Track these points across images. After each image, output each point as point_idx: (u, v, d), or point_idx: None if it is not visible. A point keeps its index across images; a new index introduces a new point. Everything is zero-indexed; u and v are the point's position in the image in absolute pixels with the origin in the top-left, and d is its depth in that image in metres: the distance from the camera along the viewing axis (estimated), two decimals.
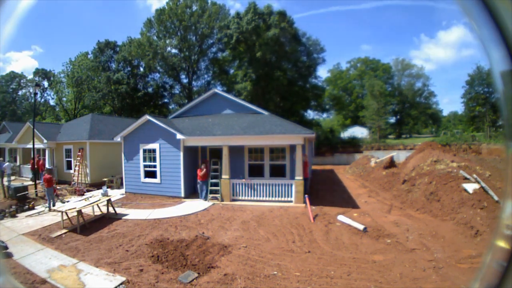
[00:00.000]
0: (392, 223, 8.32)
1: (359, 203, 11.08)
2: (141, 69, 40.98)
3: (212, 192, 11.66)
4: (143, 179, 12.87)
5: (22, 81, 58.49)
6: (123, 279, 5.16)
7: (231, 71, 40.23)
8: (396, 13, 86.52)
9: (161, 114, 37.29)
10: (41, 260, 6.09)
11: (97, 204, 9.63)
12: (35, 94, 17.86)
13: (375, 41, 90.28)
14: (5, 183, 13.58)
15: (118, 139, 13.38)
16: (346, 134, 42.51)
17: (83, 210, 8.77)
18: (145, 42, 37.22)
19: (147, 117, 12.68)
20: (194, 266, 5.65)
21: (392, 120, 53.36)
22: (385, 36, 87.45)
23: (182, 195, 12.01)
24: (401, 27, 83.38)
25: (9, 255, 6.26)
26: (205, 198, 11.56)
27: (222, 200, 11.35)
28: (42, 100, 54.74)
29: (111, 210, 9.87)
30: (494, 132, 32.28)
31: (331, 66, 39.38)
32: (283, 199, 10.94)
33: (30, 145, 15.96)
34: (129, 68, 39.76)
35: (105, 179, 15.17)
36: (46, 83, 53.80)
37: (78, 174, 15.70)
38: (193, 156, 13.14)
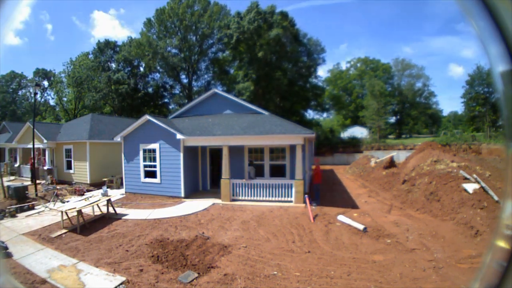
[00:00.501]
0: (392, 223, 8.32)
1: (359, 203, 11.08)
2: (141, 69, 41.00)
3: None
4: (143, 179, 12.87)
5: (22, 81, 58.49)
6: (123, 279, 5.16)
7: (231, 71, 40.24)
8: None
9: (161, 114, 37.29)
10: (41, 260, 6.09)
11: (97, 204, 9.63)
12: (35, 94, 17.88)
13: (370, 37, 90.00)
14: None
15: (118, 139, 13.38)
16: (346, 134, 42.52)
17: (83, 210, 8.77)
18: (144, 42, 37.21)
19: (147, 117, 12.68)
20: (194, 266, 5.65)
21: (392, 120, 53.41)
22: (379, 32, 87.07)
23: (182, 195, 12.01)
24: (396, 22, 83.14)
25: (9, 255, 6.26)
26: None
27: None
28: (42, 100, 54.75)
29: (111, 210, 9.87)
30: (494, 132, 32.26)
31: (323, 61, 38.68)
32: (283, 199, 10.93)
33: (30, 145, 15.97)
34: (129, 68, 39.78)
35: (105, 179, 15.18)
36: (46, 83, 53.82)
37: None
38: (193, 156, 13.14)
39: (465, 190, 8.78)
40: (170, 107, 43.24)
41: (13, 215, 9.86)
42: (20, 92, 58.52)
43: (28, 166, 18.27)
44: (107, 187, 12.54)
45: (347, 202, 11.25)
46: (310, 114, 43.47)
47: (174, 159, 12.07)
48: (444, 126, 58.65)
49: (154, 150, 12.55)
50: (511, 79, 0.79)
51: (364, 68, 56.97)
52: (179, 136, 11.61)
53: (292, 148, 11.62)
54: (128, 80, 37.85)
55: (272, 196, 11.02)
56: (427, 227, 7.83)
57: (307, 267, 5.54)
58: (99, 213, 9.82)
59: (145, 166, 12.83)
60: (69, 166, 17.12)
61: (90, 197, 10.78)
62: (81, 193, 13.57)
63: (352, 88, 56.97)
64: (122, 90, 36.64)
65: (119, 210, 10.22)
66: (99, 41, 39.89)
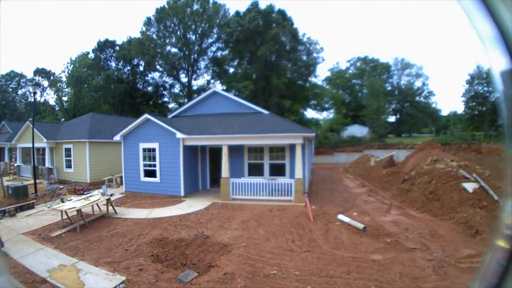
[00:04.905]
0: (391, 222, 8.33)
1: (359, 202, 11.08)
2: (141, 68, 40.96)
3: None
4: (143, 178, 12.87)
5: (21, 80, 58.33)
6: (123, 278, 5.16)
7: (231, 70, 40.28)
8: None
9: (161, 113, 37.29)
10: (41, 259, 6.09)
11: (97, 204, 9.63)
12: (35, 93, 17.82)
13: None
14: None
15: (117, 138, 13.36)
16: (346, 133, 42.49)
17: (83, 210, 8.76)
18: (144, 41, 37.17)
19: (147, 116, 12.67)
20: (194, 265, 5.65)
21: (392, 119, 53.49)
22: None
23: (182, 194, 12.01)
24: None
25: (8, 255, 6.26)
26: None
27: None
28: (42, 99, 54.63)
29: (111, 209, 9.88)
30: (494, 132, 32.30)
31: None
32: (282, 198, 10.94)
33: (29, 145, 15.94)
34: (128, 67, 39.73)
35: (104, 178, 15.18)
36: (46, 83, 53.68)
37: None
38: (193, 156, 13.14)
39: (465, 190, 8.79)
40: (170, 106, 43.28)
41: (12, 214, 9.85)
42: (19, 92, 58.41)
43: (28, 166, 18.26)
44: (107, 187, 12.52)
45: (346, 201, 11.26)
46: (310, 113, 43.56)
47: (174, 158, 12.06)
48: (444, 125, 58.62)
49: (154, 149, 12.55)
50: (511, 79, 0.79)
51: (364, 67, 56.94)
52: (178, 135, 11.61)
53: (292, 147, 11.62)
54: (128, 79, 37.82)
55: (272, 196, 11.03)
56: (427, 226, 7.84)
57: (307, 266, 5.54)
58: (99, 212, 9.83)
59: (144, 165, 12.82)
60: (68, 166, 17.12)
61: (90, 196, 10.76)
62: (81, 192, 13.56)
63: (352, 87, 56.95)
64: (121, 89, 36.60)
65: (118, 210, 10.22)
66: (99, 40, 39.86)
